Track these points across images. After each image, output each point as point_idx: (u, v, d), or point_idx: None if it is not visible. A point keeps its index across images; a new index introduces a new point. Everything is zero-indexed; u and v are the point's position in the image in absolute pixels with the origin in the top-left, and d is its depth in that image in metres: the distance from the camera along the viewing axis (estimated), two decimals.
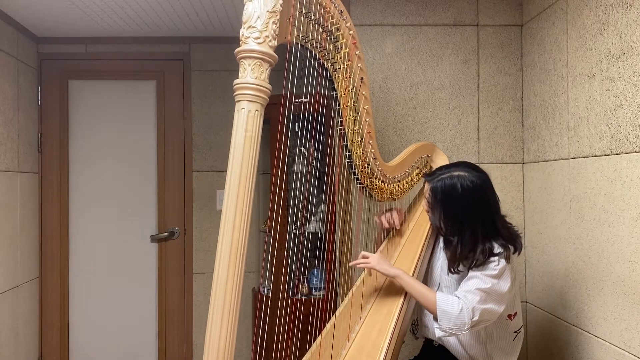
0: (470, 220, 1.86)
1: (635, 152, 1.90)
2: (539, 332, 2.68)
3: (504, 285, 1.83)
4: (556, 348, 2.49)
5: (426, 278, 2.11)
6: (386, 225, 2.21)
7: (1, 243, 3.11)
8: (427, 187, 1.97)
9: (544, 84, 2.62)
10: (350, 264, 1.97)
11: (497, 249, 1.85)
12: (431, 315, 1.99)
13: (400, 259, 2.07)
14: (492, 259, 1.83)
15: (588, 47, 2.21)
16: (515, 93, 2.87)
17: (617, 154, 2.01)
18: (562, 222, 2.43)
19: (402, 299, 1.91)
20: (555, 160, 2.49)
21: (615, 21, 2.02)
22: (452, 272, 1.91)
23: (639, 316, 1.89)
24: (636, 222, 1.89)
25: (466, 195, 1.86)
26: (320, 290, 3.13)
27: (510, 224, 1.97)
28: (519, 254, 1.94)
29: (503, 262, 1.83)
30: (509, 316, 1.98)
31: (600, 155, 2.11)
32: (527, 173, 2.82)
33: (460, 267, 1.87)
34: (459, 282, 1.90)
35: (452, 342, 1.99)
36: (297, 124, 2.96)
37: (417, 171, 2.32)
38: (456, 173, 1.89)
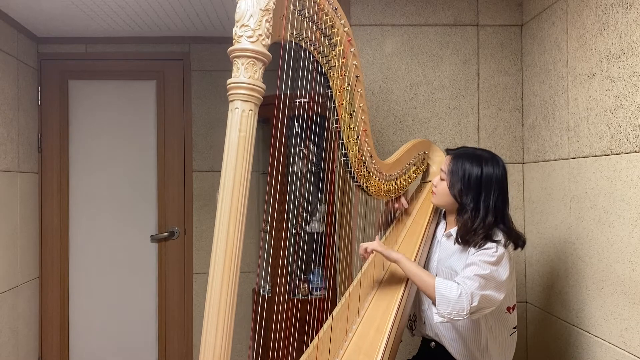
0: (487, 194, 1.91)
1: (635, 152, 1.89)
2: (539, 332, 2.67)
3: (503, 272, 1.83)
4: (556, 348, 2.48)
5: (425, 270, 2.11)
6: (396, 206, 2.27)
7: (1, 243, 3.11)
8: (448, 157, 2.02)
9: (544, 84, 2.61)
10: (360, 250, 1.98)
11: (498, 235, 1.87)
12: (428, 313, 1.98)
13: (399, 252, 2.07)
14: (490, 245, 1.85)
15: (588, 47, 2.20)
16: (515, 93, 2.86)
17: (617, 154, 2.00)
18: (562, 222, 2.42)
19: (399, 297, 1.91)
20: (555, 160, 2.48)
21: (615, 21, 2.01)
22: (459, 243, 1.94)
23: (639, 316, 1.88)
24: (636, 222, 1.88)
25: (487, 170, 1.93)
26: (320, 290, 3.13)
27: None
28: (521, 249, 1.96)
29: (501, 249, 1.84)
30: (508, 309, 1.98)
31: (600, 155, 2.10)
32: (527, 173, 2.81)
33: (468, 238, 1.90)
34: (457, 274, 1.90)
35: (449, 338, 1.98)
36: (296, 124, 2.96)
37: (413, 169, 2.31)
38: (479, 151, 1.99)
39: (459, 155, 1.99)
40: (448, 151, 2.07)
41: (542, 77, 2.62)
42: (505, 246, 1.86)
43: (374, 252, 1.96)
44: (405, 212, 2.33)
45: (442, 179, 2.02)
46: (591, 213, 2.18)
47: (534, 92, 2.72)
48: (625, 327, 1.96)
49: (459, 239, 1.93)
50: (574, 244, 2.31)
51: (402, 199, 2.28)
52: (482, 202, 1.90)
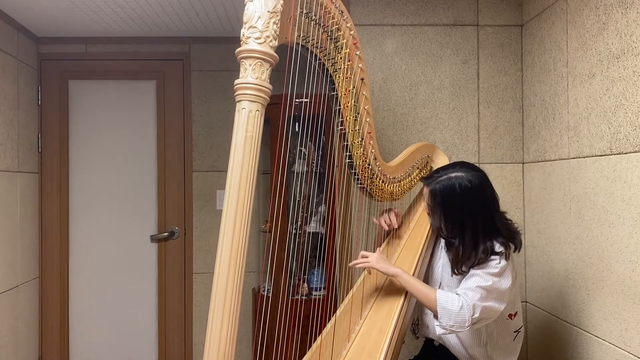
0: (471, 220, 1.85)
1: (635, 152, 1.90)
2: (539, 332, 2.68)
3: (505, 283, 1.83)
4: (556, 348, 2.49)
5: (427, 278, 2.11)
6: (385, 227, 2.21)
7: (1, 243, 3.11)
8: (425, 190, 1.95)
9: (544, 84, 2.62)
10: (350, 264, 1.97)
11: (498, 247, 1.85)
12: (431, 315, 1.99)
13: (400, 259, 2.08)
14: (493, 257, 1.83)
15: (588, 47, 2.21)
16: (515, 93, 2.87)
17: (617, 154, 2.01)
18: (562, 222, 2.43)
19: (402, 299, 1.91)
20: (555, 160, 2.49)
21: (615, 21, 2.02)
22: (455, 274, 1.90)
23: (639, 316, 1.89)
24: (636, 222, 1.89)
25: (465, 196, 1.85)
26: (320, 290, 3.13)
27: (510, 220, 1.97)
28: (519, 251, 1.94)
29: (504, 261, 1.83)
30: (510, 316, 1.99)
31: (600, 155, 2.11)
32: (527, 173, 2.82)
33: (464, 268, 1.87)
34: (461, 281, 1.90)
35: (452, 342, 1.99)
36: (297, 124, 2.97)
37: (417, 171, 2.32)
38: (453, 174, 1.89)
39: (433, 188, 1.90)
40: (422, 180, 2.01)
41: (542, 77, 2.63)
42: (507, 257, 1.85)
43: (372, 269, 1.94)
44: (408, 215, 2.33)
45: (427, 213, 2.00)
46: (591, 213, 2.19)
47: (534, 92, 2.73)
48: (625, 327, 1.97)
49: (455, 271, 1.89)
50: (574, 243, 2.32)
51: (393, 217, 2.21)
52: (468, 232, 1.85)
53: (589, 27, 2.21)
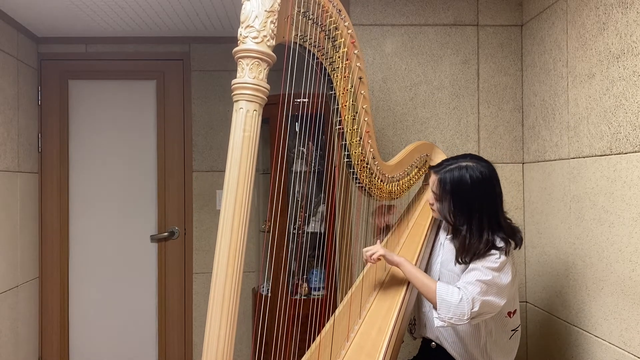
0: (479, 210, 1.86)
1: (635, 152, 1.90)
2: (539, 332, 2.68)
3: (505, 278, 1.82)
4: (556, 348, 2.49)
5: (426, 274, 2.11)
6: (383, 224, 2.23)
7: (1, 243, 3.11)
8: (433, 178, 1.95)
9: (544, 84, 2.61)
10: (364, 249, 1.96)
11: (499, 242, 1.85)
12: (429, 314, 1.98)
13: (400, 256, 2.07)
14: (493, 251, 1.83)
15: (588, 47, 2.21)
16: (515, 93, 2.87)
17: (617, 154, 2.00)
18: (562, 222, 2.42)
19: (401, 298, 1.91)
20: (555, 160, 2.49)
21: (615, 21, 2.02)
22: (459, 263, 1.90)
23: (639, 316, 1.88)
24: (636, 222, 1.89)
25: (475, 186, 1.87)
26: (319, 290, 3.13)
27: (510, 219, 1.97)
28: (519, 248, 1.94)
29: (504, 256, 1.83)
30: (509, 313, 1.98)
31: (600, 155, 2.11)
32: (527, 173, 2.82)
33: (468, 258, 1.87)
34: (460, 277, 1.90)
35: (450, 341, 1.99)
36: (296, 123, 2.97)
37: (416, 170, 2.32)
38: (464, 163, 1.90)
39: (443, 177, 1.91)
40: (431, 169, 2.02)
41: (542, 77, 2.63)
42: (507, 253, 1.85)
43: (380, 258, 1.95)
44: (407, 214, 2.33)
45: (431, 203, 2.00)
46: (591, 213, 2.18)
47: (534, 92, 2.73)
48: (625, 327, 1.97)
49: (459, 260, 1.89)
50: (574, 243, 2.32)
51: (385, 210, 2.21)
52: (475, 221, 1.86)
53: (589, 27, 2.20)
